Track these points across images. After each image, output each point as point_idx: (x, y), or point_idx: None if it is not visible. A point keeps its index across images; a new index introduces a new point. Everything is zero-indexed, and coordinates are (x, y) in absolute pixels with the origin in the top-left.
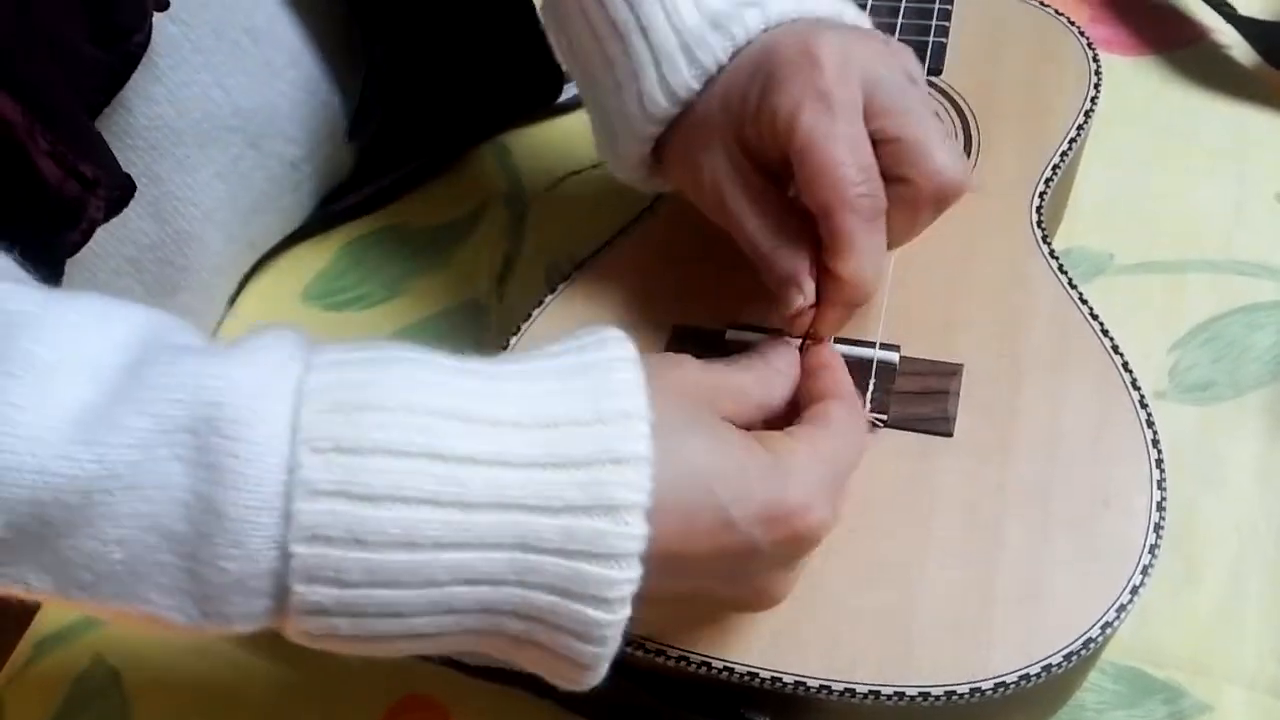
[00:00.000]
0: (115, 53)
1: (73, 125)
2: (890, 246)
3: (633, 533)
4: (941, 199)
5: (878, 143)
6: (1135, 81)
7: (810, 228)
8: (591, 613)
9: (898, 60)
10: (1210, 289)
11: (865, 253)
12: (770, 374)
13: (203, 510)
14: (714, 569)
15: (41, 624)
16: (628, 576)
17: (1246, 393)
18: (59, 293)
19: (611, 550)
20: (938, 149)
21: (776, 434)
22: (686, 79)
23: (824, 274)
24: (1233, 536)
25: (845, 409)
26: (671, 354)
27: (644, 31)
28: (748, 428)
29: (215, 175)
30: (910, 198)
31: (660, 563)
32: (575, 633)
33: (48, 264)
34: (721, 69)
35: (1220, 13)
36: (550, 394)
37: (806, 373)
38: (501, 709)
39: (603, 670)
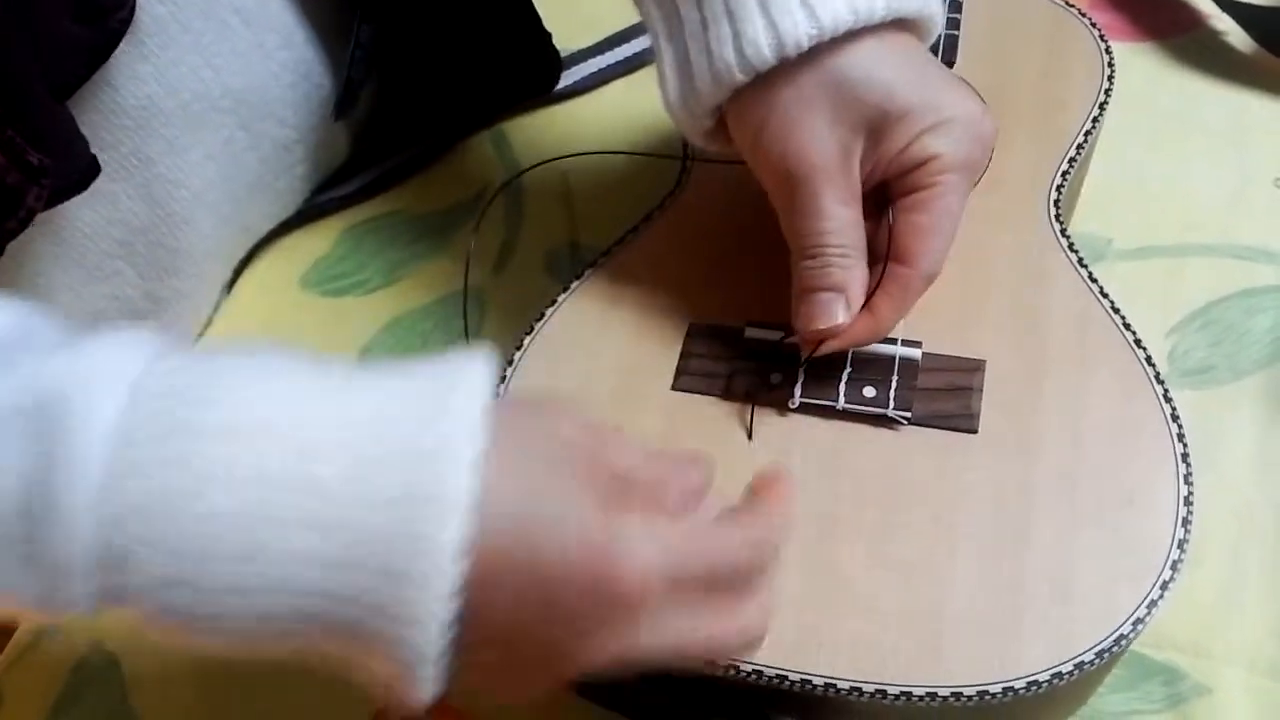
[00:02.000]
0: (97, 30)
1: (32, 109)
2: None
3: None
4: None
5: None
6: (1133, 68)
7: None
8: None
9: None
10: (1209, 273)
11: (897, 314)
12: (681, 479)
13: (38, 490)
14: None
15: None
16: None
17: (1245, 376)
18: None
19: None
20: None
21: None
22: (800, 35)
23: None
24: (1231, 519)
25: (761, 524)
26: (566, 406)
27: None
28: None
29: (206, 157)
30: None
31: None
32: (397, 660)
33: None
34: (847, 33)
35: (1215, 0)
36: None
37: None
38: None
39: (430, 687)
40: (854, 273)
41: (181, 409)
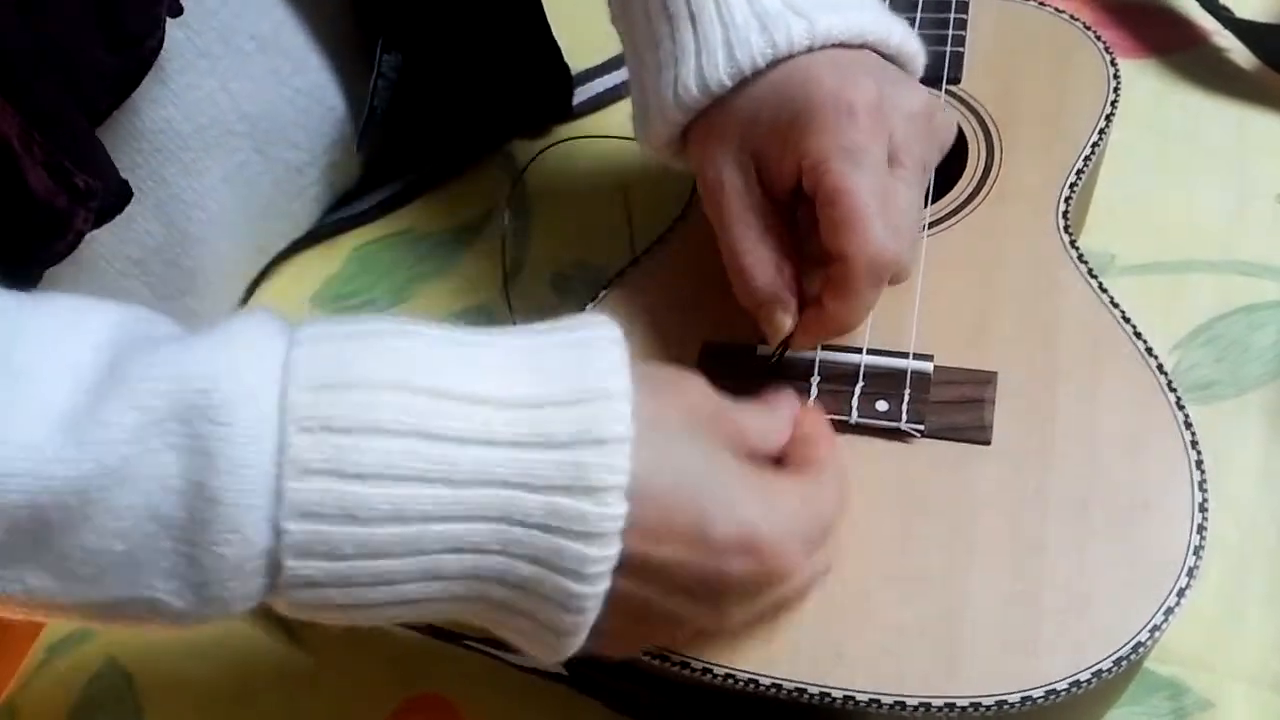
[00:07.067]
0: (127, 58)
1: (72, 134)
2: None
3: (611, 513)
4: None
5: None
6: (1136, 84)
7: (794, 250)
8: (572, 585)
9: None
10: (1212, 289)
11: (863, 303)
12: (771, 422)
13: (197, 496)
14: (678, 579)
15: (54, 628)
16: (606, 554)
17: (1248, 392)
18: (30, 296)
19: (590, 529)
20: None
21: (770, 467)
22: (721, 75)
23: (810, 302)
24: (1235, 534)
25: (835, 470)
26: (686, 371)
27: (693, 18)
28: None
29: (221, 180)
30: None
31: (632, 554)
32: (557, 602)
33: (26, 271)
34: (757, 73)
35: (1218, 17)
36: (534, 372)
37: (800, 436)
38: (512, 707)
39: (581, 638)
40: (769, 280)
41: (340, 388)
